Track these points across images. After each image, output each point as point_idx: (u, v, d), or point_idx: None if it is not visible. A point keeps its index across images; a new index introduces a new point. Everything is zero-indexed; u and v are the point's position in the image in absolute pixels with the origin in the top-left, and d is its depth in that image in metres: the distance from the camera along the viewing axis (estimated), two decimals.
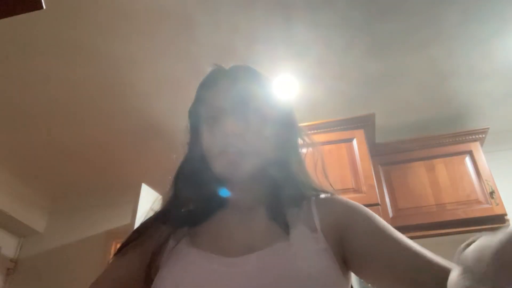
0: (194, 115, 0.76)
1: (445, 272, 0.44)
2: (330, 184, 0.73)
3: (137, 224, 0.72)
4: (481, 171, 2.14)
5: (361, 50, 2.03)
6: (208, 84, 0.74)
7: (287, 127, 0.75)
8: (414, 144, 2.32)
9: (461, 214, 2.02)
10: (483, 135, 2.29)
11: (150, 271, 0.64)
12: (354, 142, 2.12)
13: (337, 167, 2.01)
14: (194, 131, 0.76)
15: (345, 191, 1.94)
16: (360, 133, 2.15)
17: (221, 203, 0.72)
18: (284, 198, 0.68)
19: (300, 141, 0.76)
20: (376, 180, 2.04)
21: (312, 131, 2.11)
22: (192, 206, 0.72)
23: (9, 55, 1.94)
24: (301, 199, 0.70)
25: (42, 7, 0.76)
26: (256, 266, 0.56)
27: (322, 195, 0.72)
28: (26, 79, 2.08)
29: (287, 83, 2.20)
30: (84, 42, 1.90)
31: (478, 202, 2.05)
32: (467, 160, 2.21)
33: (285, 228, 0.62)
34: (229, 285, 0.55)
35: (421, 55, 2.07)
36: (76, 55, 1.96)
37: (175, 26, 1.85)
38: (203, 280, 0.57)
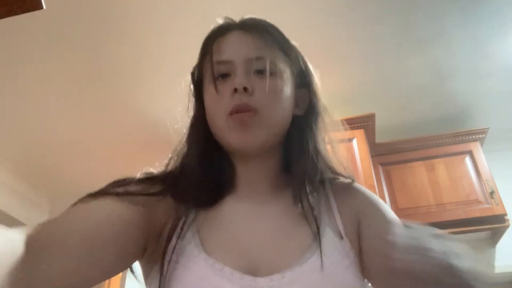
0: (197, 74, 0.64)
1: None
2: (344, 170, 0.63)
3: None
4: (481, 171, 2.14)
5: (361, 50, 2.03)
6: (215, 36, 0.61)
7: (305, 90, 0.64)
8: (414, 144, 2.32)
9: (461, 214, 2.02)
10: (483, 135, 2.29)
11: (156, 245, 0.52)
12: (354, 142, 2.12)
13: None
14: (198, 95, 0.63)
15: None
16: (360, 133, 2.15)
17: (230, 186, 0.60)
18: (307, 184, 0.57)
19: (321, 110, 0.63)
20: (376, 180, 2.04)
21: None
22: (198, 183, 0.58)
23: (9, 55, 1.94)
24: (319, 183, 0.60)
25: (42, 7, 0.76)
26: None
27: (339, 180, 0.63)
28: (25, 77, 2.08)
29: None
30: (84, 42, 1.90)
31: (478, 202, 2.05)
32: (467, 160, 2.21)
33: (316, 230, 0.53)
34: None
35: (421, 55, 2.06)
36: (76, 55, 1.96)
37: (175, 26, 1.86)
38: None
